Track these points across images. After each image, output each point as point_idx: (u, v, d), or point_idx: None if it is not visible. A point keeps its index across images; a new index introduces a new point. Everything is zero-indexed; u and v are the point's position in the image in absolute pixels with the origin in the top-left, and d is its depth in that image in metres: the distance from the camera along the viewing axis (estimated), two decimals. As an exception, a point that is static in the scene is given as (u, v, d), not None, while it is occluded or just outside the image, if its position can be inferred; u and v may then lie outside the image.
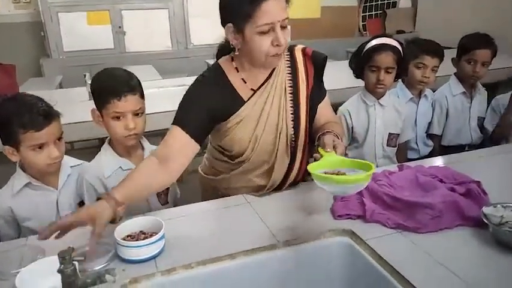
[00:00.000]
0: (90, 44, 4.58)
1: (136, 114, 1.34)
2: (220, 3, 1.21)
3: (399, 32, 5.56)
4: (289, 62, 1.32)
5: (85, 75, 2.65)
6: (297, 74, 1.32)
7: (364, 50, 1.77)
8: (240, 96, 1.27)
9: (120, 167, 1.37)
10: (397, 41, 1.76)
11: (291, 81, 1.31)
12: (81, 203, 1.40)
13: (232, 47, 1.24)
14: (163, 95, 2.93)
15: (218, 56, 1.38)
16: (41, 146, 1.24)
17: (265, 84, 1.28)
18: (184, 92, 1.29)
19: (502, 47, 2.44)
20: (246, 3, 1.11)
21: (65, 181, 1.37)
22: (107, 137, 1.43)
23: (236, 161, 1.35)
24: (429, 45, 2.01)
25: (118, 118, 1.31)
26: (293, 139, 1.33)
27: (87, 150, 3.14)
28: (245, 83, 1.27)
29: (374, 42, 1.75)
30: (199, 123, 1.24)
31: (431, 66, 1.97)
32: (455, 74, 2.18)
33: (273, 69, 1.29)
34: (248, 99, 1.28)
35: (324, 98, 1.41)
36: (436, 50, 1.98)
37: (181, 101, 1.28)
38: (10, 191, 1.31)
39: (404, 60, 1.76)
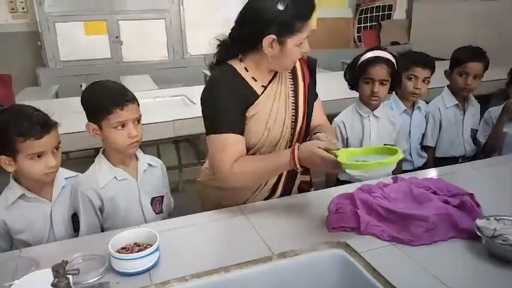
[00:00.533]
0: (86, 53, 4.60)
1: (136, 122, 1.36)
2: (260, 17, 1.27)
3: (394, 43, 5.62)
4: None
5: (81, 86, 2.65)
6: (296, 74, 1.44)
7: (359, 62, 1.80)
8: (254, 91, 1.36)
9: (115, 177, 1.37)
10: (391, 53, 1.78)
11: (291, 80, 1.43)
12: (74, 216, 1.40)
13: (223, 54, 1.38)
14: (160, 105, 2.94)
15: (218, 61, 1.42)
16: (39, 155, 1.24)
17: (273, 81, 1.40)
18: (205, 98, 1.36)
19: (495, 59, 2.47)
20: (299, 20, 1.24)
21: (59, 193, 1.37)
22: (102, 147, 1.44)
23: (249, 154, 1.39)
24: (419, 56, 2.03)
25: (121, 127, 1.32)
26: (292, 133, 1.43)
27: (82, 159, 3.14)
28: (255, 80, 1.37)
29: (368, 54, 1.77)
30: (240, 119, 1.33)
31: (422, 77, 1.99)
32: (448, 86, 2.20)
33: (276, 72, 1.40)
34: (261, 94, 1.37)
35: (316, 98, 1.53)
36: (426, 61, 2.00)
37: (211, 108, 1.34)
38: (3, 203, 1.30)
39: (398, 72, 1.78)
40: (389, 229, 1.18)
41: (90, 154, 3.08)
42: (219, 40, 1.40)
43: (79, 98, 2.80)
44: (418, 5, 5.41)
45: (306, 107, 1.44)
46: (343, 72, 1.93)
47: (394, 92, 2.06)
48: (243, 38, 1.33)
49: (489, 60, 2.11)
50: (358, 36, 5.70)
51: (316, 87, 1.53)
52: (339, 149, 1.19)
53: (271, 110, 1.37)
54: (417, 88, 2.00)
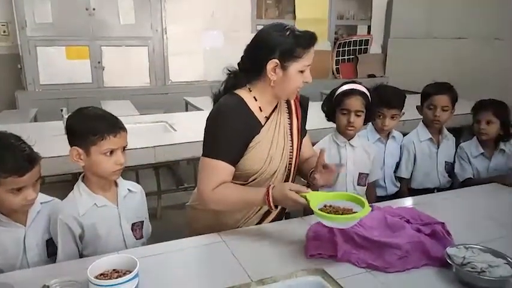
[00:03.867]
0: (67, 78, 4.58)
1: (123, 150, 1.38)
2: (265, 44, 1.38)
3: (370, 76, 5.83)
4: (286, 102, 1.55)
5: (62, 110, 2.64)
6: (291, 110, 1.54)
7: (336, 94, 1.88)
8: (259, 121, 1.44)
9: (95, 203, 1.37)
10: (365, 87, 1.87)
11: (288, 114, 1.53)
12: (50, 240, 1.38)
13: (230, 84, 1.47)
14: (141, 130, 2.94)
15: (225, 89, 1.49)
16: (19, 189, 1.24)
17: (274, 112, 1.49)
18: (210, 123, 1.42)
19: (465, 93, 2.60)
20: (301, 47, 1.35)
21: (34, 218, 1.36)
22: (79, 172, 1.44)
23: (249, 180, 1.45)
24: (386, 96, 2.08)
25: (110, 154, 1.33)
26: (290, 162, 1.52)
27: (58, 184, 3.09)
28: (261, 111, 1.45)
29: (344, 87, 1.86)
30: (237, 150, 1.41)
31: (389, 115, 2.08)
32: (422, 120, 2.30)
33: (277, 103, 1.49)
34: (264, 124, 1.45)
35: (305, 135, 1.64)
36: (393, 101, 2.07)
37: (213, 133, 1.41)
38: (-24, 227, 1.27)
39: (372, 105, 1.86)
40: (364, 256, 1.22)
41: (66, 179, 3.04)
42: (228, 70, 1.49)
43: (58, 122, 2.82)
44: (393, 40, 5.66)
45: (299, 139, 1.55)
46: (321, 102, 2.00)
47: (371, 123, 2.14)
48: (250, 65, 1.43)
49: (457, 94, 2.21)
50: (336, 68, 5.89)
51: None
52: (308, 193, 1.25)
53: (273, 138, 1.46)
54: (385, 125, 2.10)
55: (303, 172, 1.58)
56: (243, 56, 1.46)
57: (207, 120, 1.44)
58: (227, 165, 1.38)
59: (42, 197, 1.40)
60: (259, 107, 1.44)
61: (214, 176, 1.37)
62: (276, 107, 1.49)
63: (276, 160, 1.46)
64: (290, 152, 1.51)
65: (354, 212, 1.21)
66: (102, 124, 1.33)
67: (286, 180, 1.52)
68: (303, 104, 1.59)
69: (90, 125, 1.33)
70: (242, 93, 1.44)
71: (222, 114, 1.41)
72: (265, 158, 1.44)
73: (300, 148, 1.57)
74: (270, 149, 1.44)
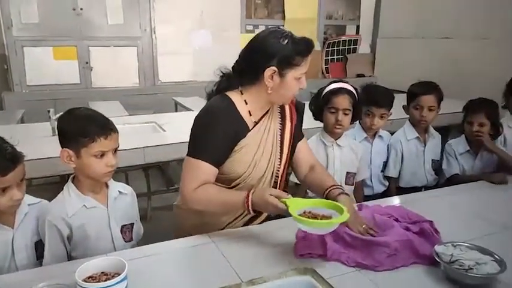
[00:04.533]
0: (55, 78, 4.53)
1: (115, 151, 1.37)
2: (263, 50, 1.37)
3: (359, 75, 5.87)
4: (280, 108, 1.53)
5: (49, 111, 2.61)
6: (285, 115, 1.54)
7: (324, 93, 1.89)
8: (246, 125, 1.43)
9: (84, 205, 1.36)
10: (353, 86, 1.89)
11: (280, 119, 1.52)
12: (38, 242, 1.36)
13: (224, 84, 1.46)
14: (130, 131, 2.92)
15: (217, 91, 1.49)
16: (4, 189, 1.22)
17: (264, 118, 1.48)
18: (197, 123, 1.42)
19: (452, 92, 2.63)
20: (299, 56, 1.35)
21: (21, 220, 1.34)
22: (67, 174, 1.42)
23: (233, 184, 1.44)
24: (376, 95, 2.10)
25: (101, 156, 1.32)
26: (278, 168, 1.51)
27: (46, 186, 3.05)
28: (250, 115, 1.44)
29: (332, 86, 1.88)
30: (223, 152, 1.40)
31: (378, 114, 2.10)
32: (409, 119, 2.32)
33: (269, 108, 1.48)
34: (252, 128, 1.44)
35: (302, 138, 1.62)
36: (382, 100, 2.09)
37: (199, 133, 1.40)
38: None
39: (359, 104, 1.88)
40: (354, 255, 1.23)
41: (54, 181, 3.01)
42: (222, 72, 1.49)
43: (45, 124, 2.78)
44: (382, 40, 5.71)
45: (290, 145, 1.54)
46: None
47: (358, 122, 2.16)
48: (246, 70, 1.41)
49: (442, 93, 2.23)
50: (326, 67, 5.92)
51: None
52: (288, 198, 1.25)
53: (260, 143, 1.45)
54: (373, 124, 2.11)
55: (313, 185, 1.54)
56: (238, 60, 1.44)
57: (194, 120, 1.43)
58: (210, 167, 1.37)
59: (29, 198, 1.39)
60: (249, 111, 1.43)
61: (197, 176, 1.37)
62: (267, 112, 1.49)
63: (262, 165, 1.46)
64: (279, 159, 1.50)
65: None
66: (93, 126, 1.31)
67: (274, 188, 1.50)
68: (299, 108, 1.59)
69: (80, 127, 1.31)
70: (233, 95, 1.43)
71: (209, 115, 1.40)
72: (249, 162, 1.42)
73: (291, 154, 1.56)
74: (255, 154, 1.43)
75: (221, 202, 1.37)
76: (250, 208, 1.28)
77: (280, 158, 1.51)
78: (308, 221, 1.17)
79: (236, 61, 1.45)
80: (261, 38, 1.39)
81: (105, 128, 1.33)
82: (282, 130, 1.51)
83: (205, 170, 1.37)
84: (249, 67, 1.40)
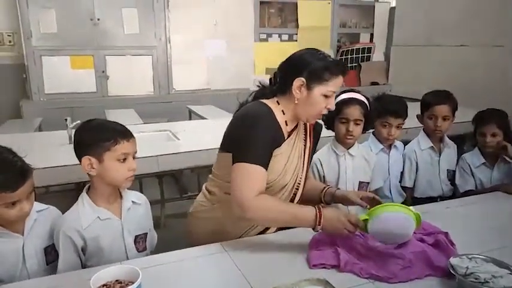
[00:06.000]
0: (72, 87, 4.62)
1: (133, 157, 1.40)
2: (296, 61, 1.42)
3: (373, 83, 5.84)
4: (304, 124, 1.58)
5: (66, 120, 2.66)
6: (307, 133, 1.58)
7: (335, 103, 1.87)
8: (283, 134, 1.45)
9: (98, 217, 1.37)
10: (364, 96, 1.88)
11: (304, 136, 1.56)
12: (48, 248, 1.38)
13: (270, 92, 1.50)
14: (144, 139, 2.95)
15: (255, 98, 1.53)
16: (14, 203, 1.24)
17: (294, 131, 1.52)
18: (244, 127, 1.40)
19: (467, 101, 2.60)
20: (328, 72, 1.38)
21: (31, 226, 1.36)
22: (83, 182, 1.44)
23: None
24: (393, 105, 2.09)
25: (123, 160, 1.35)
26: (299, 181, 1.53)
27: (61, 193, 3.10)
28: (286, 125, 1.47)
29: (343, 96, 1.86)
30: (269, 157, 1.39)
31: (395, 124, 2.08)
32: (423, 129, 2.29)
33: (297, 122, 1.53)
34: (286, 138, 1.47)
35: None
36: (398, 111, 2.08)
37: (247, 138, 1.37)
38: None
39: (371, 114, 1.86)
40: (368, 267, 1.22)
41: (69, 188, 3.05)
42: (260, 82, 1.57)
43: (62, 132, 2.83)
44: (396, 48, 5.67)
45: (308, 164, 1.58)
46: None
47: (372, 133, 2.14)
48: (279, 79, 1.47)
49: (456, 102, 2.20)
50: (339, 76, 5.91)
51: None
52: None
53: (290, 154, 1.48)
54: (391, 135, 2.09)
55: (308, 189, 1.62)
56: (275, 71, 1.50)
57: (237, 126, 1.43)
58: (264, 171, 1.35)
59: (38, 205, 1.40)
60: (285, 121, 1.46)
61: (255, 182, 1.33)
62: (296, 126, 1.52)
63: (288, 176, 1.47)
64: (301, 172, 1.53)
65: None
66: (114, 130, 1.36)
67: (292, 201, 1.52)
68: (317, 130, 1.62)
69: (102, 133, 1.34)
70: (271, 104, 1.45)
71: (255, 119, 1.39)
72: (280, 171, 1.44)
73: (307, 169, 1.59)
74: (286, 163, 1.46)
75: (289, 213, 1.34)
76: (321, 221, 1.28)
77: (302, 173, 1.54)
78: (381, 207, 1.26)
79: (274, 73, 1.51)
80: (298, 52, 1.45)
81: (126, 131, 1.38)
82: (305, 147, 1.55)
83: (262, 175, 1.35)
84: (282, 78, 1.46)
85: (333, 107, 1.44)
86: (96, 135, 1.34)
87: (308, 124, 1.57)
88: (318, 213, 1.28)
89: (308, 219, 1.30)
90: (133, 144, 1.38)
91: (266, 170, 1.36)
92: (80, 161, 1.36)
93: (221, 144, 1.52)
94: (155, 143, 2.94)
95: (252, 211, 1.32)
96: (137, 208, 1.48)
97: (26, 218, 1.34)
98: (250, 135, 1.36)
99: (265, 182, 1.36)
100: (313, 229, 1.31)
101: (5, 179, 1.20)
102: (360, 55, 5.94)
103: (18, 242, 1.33)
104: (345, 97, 1.85)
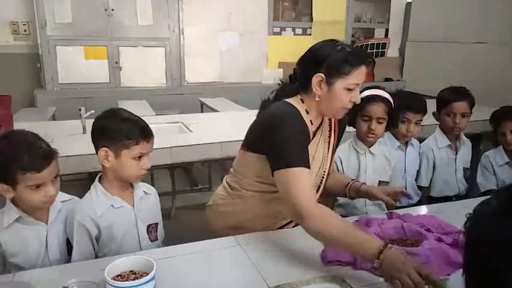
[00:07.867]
0: (85, 77, 4.64)
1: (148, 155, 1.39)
2: (314, 56, 1.36)
3: (387, 79, 5.76)
4: (329, 120, 1.52)
5: (80, 109, 2.67)
6: (332, 128, 1.53)
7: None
8: (309, 133, 1.41)
9: (112, 205, 1.37)
10: (389, 93, 1.81)
11: (328, 133, 1.52)
12: (68, 239, 1.38)
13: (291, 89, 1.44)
14: (157, 131, 2.94)
15: (275, 97, 1.49)
16: (38, 186, 1.24)
17: (319, 130, 1.47)
18: (277, 132, 1.32)
19: (483, 99, 2.54)
20: (348, 64, 1.30)
21: (55, 216, 1.37)
22: (95, 172, 1.44)
23: (275, 189, 1.39)
24: (412, 101, 2.05)
25: (139, 158, 1.34)
26: (322, 179, 1.51)
27: (74, 182, 3.12)
28: (312, 124, 1.42)
29: (366, 92, 1.77)
30: (308, 156, 1.34)
31: (414, 120, 2.03)
32: (439, 126, 2.25)
33: (322, 120, 1.48)
34: (312, 138, 1.44)
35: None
36: (418, 106, 2.04)
37: (285, 141, 1.31)
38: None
39: (395, 111, 1.81)
40: (383, 265, 1.19)
41: (82, 177, 3.07)
42: (280, 80, 1.52)
43: (76, 121, 2.84)
44: (411, 44, 5.58)
45: (332, 160, 1.56)
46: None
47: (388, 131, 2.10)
48: (299, 76, 1.41)
49: (474, 99, 2.16)
50: (352, 71, 5.85)
51: None
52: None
53: (315, 154, 1.44)
54: (409, 131, 2.04)
55: (333, 184, 1.61)
56: (294, 67, 1.44)
57: (268, 131, 1.34)
58: (308, 171, 1.30)
59: (62, 195, 1.42)
60: (310, 120, 1.41)
61: (308, 187, 1.27)
62: (320, 123, 1.47)
63: (312, 175, 1.42)
64: (324, 171, 1.50)
65: None
66: (137, 129, 1.34)
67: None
68: (342, 125, 1.58)
69: (125, 128, 1.33)
70: (296, 103, 1.39)
71: (285, 121, 1.33)
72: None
73: (330, 169, 1.57)
74: (311, 163, 1.39)
75: (350, 235, 1.17)
76: (379, 259, 1.07)
77: (325, 171, 1.51)
78: None
79: (293, 69, 1.45)
80: (315, 46, 1.38)
81: (148, 131, 1.37)
82: (329, 143, 1.51)
83: (307, 175, 1.29)
84: (301, 74, 1.40)
85: (358, 100, 1.36)
86: (119, 130, 1.33)
87: (333, 119, 1.51)
88: (380, 250, 1.08)
89: (367, 250, 1.11)
90: (151, 145, 1.38)
91: (308, 168, 1.31)
92: (96, 146, 1.36)
93: (245, 143, 1.48)
94: (167, 134, 2.93)
95: (314, 220, 1.21)
96: (148, 198, 1.49)
97: (51, 208, 1.35)
98: (285, 139, 1.30)
99: (311, 182, 1.35)
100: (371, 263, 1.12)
101: (30, 159, 1.21)
102: (375, 50, 5.85)
103: (42, 230, 1.34)
104: (368, 94, 1.77)
